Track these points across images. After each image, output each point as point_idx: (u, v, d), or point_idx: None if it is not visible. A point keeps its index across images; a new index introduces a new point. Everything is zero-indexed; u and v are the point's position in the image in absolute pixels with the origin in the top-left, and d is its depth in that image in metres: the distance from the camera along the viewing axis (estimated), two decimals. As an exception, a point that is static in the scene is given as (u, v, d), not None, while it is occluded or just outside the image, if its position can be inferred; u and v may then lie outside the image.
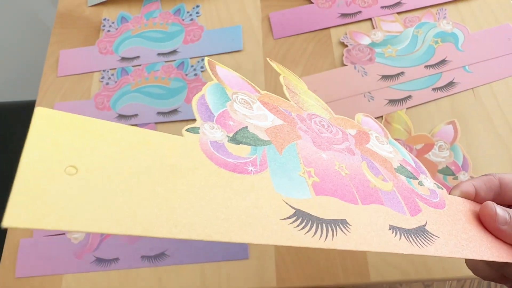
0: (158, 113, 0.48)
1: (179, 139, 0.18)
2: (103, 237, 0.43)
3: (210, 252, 0.41)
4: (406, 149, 0.42)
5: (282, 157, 0.21)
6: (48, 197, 0.13)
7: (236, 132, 0.20)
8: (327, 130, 0.25)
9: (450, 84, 0.45)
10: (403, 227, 0.22)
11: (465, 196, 0.27)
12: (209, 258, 0.40)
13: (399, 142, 0.42)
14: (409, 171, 0.27)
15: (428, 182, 0.27)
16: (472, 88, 0.44)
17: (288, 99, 0.26)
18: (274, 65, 0.30)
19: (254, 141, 0.21)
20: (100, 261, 0.42)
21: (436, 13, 0.49)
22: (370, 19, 0.50)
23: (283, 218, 0.18)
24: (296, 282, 0.39)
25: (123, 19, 0.56)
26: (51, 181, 0.14)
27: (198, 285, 0.40)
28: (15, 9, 0.92)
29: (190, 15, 0.54)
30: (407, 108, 0.44)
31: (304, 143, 0.22)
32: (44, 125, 0.15)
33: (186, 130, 0.19)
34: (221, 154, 0.19)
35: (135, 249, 0.42)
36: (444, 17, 0.49)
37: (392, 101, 0.45)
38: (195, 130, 0.19)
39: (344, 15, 0.51)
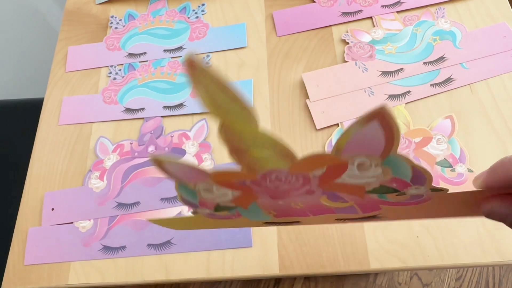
0: (164, 107, 0.50)
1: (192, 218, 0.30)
2: (110, 225, 0.44)
3: (214, 240, 0.42)
4: (405, 142, 0.44)
5: (248, 210, 0.28)
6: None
7: (215, 206, 0.27)
8: (284, 183, 0.25)
9: (448, 80, 0.46)
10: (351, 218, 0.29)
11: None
12: (214, 246, 0.42)
13: None
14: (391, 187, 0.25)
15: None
16: (469, 84, 0.46)
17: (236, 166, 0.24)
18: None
19: (228, 209, 0.27)
20: (107, 249, 0.43)
21: (434, 12, 0.51)
22: (371, 17, 0.52)
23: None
24: (298, 270, 0.40)
25: (130, 17, 0.57)
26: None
27: (203, 272, 0.41)
28: (17, 7, 0.93)
29: (196, 13, 0.56)
30: (406, 103, 0.46)
31: (262, 200, 0.26)
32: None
33: (191, 212, 0.29)
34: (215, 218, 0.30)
35: (141, 237, 0.43)
36: (443, 16, 0.50)
37: (391, 96, 0.46)
38: (196, 212, 0.28)
39: (345, 13, 0.52)
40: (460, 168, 0.42)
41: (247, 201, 0.27)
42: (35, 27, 0.99)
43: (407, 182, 0.24)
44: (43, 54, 0.98)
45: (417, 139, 0.44)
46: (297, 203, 0.26)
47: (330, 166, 0.23)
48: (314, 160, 0.22)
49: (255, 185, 0.25)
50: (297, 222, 0.31)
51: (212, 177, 0.24)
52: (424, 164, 0.42)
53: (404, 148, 0.43)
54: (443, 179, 0.42)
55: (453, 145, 0.43)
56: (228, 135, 0.21)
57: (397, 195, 0.25)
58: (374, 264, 0.39)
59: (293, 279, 1.03)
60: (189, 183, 0.25)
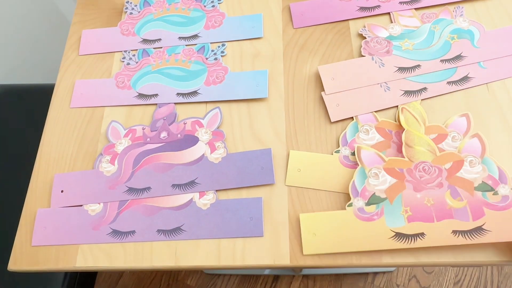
0: (178, 94, 0.49)
1: (347, 212, 0.41)
2: (120, 210, 0.44)
3: (225, 228, 0.41)
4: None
5: (392, 205, 0.40)
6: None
7: (369, 198, 0.41)
8: (426, 173, 0.41)
9: (465, 78, 0.46)
10: (463, 229, 0.38)
11: None
12: (225, 234, 0.41)
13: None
14: (489, 185, 0.40)
15: (505, 189, 0.39)
16: (486, 83, 0.46)
17: (403, 156, 0.42)
18: (402, 118, 0.43)
19: (378, 201, 0.41)
20: (116, 233, 0.43)
21: (453, 11, 0.50)
22: (388, 13, 0.52)
23: (389, 237, 0.39)
24: (309, 261, 0.40)
25: (146, 3, 0.57)
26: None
27: (213, 260, 0.41)
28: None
29: (212, 1, 0.56)
30: (422, 100, 0.45)
31: (407, 191, 0.41)
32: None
33: (347, 206, 0.41)
34: (362, 213, 0.40)
35: (151, 223, 0.43)
36: (461, 15, 0.50)
37: (407, 92, 0.46)
38: (351, 205, 0.41)
39: (363, 8, 0.52)
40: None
41: (396, 192, 0.40)
42: (44, 12, 0.98)
43: (496, 179, 0.40)
44: (52, 40, 0.98)
45: (432, 136, 0.43)
46: (429, 199, 0.40)
47: (454, 161, 0.41)
48: (447, 156, 0.42)
49: (409, 173, 0.41)
50: (422, 235, 0.39)
51: (386, 162, 0.42)
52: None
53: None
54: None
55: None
56: (407, 135, 0.43)
57: (493, 194, 0.39)
58: (386, 258, 0.39)
59: (291, 277, 1.02)
60: (367, 167, 0.42)
